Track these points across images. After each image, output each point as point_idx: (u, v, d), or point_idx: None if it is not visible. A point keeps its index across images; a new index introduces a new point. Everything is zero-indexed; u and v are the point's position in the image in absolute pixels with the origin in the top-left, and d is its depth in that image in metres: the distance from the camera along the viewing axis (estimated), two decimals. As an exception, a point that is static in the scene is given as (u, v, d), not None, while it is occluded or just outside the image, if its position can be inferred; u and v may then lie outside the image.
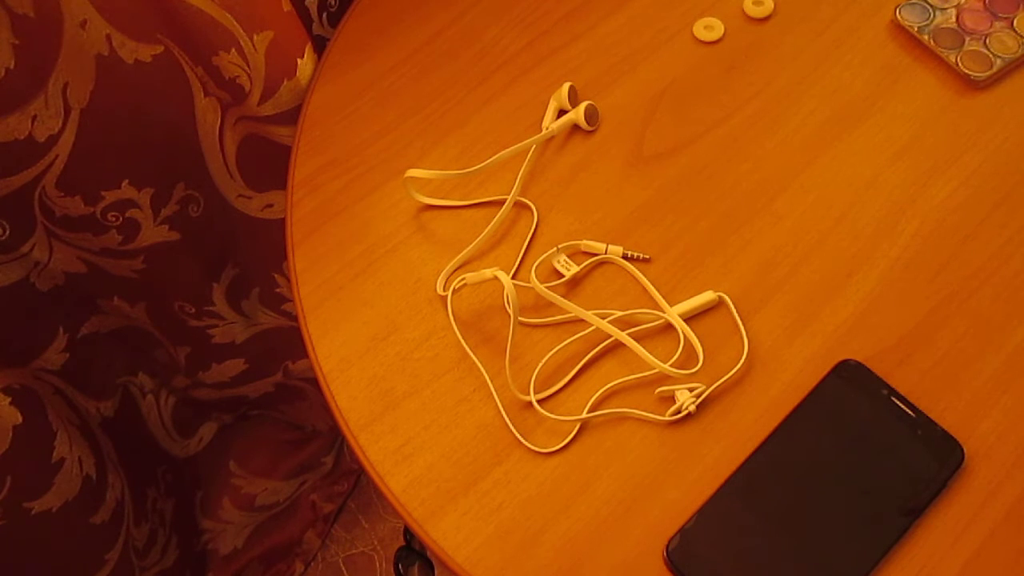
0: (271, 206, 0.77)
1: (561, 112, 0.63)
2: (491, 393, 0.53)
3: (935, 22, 0.65)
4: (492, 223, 0.58)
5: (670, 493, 0.49)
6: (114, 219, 0.67)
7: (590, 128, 0.63)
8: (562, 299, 0.54)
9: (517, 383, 0.53)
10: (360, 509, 1.16)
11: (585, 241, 0.57)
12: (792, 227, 0.57)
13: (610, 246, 0.57)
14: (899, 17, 0.65)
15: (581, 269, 0.56)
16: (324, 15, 0.74)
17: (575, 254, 0.58)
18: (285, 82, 0.65)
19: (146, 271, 0.74)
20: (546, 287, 0.54)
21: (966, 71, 0.62)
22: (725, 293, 0.55)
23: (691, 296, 0.55)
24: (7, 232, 0.63)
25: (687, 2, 0.69)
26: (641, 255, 0.57)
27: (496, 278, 0.53)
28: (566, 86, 0.62)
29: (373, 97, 0.66)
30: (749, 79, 0.64)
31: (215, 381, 0.91)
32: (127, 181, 0.66)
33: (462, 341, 0.54)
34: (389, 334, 0.56)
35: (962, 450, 0.48)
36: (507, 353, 0.52)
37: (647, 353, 0.51)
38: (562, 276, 0.56)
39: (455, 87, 0.66)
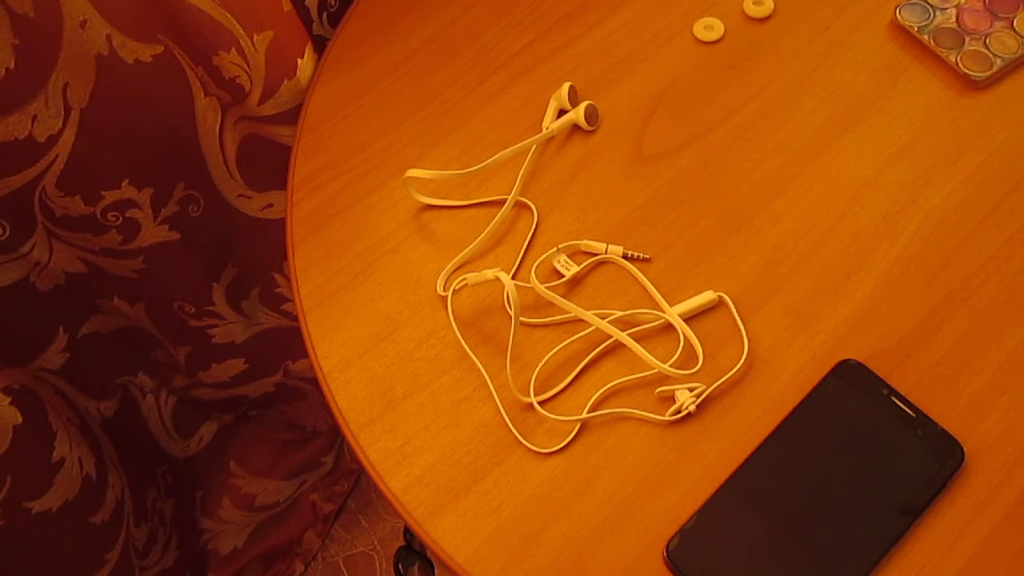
0: (271, 206, 0.77)
1: (561, 112, 0.63)
2: (491, 393, 0.53)
3: (935, 22, 0.65)
4: (492, 223, 0.58)
5: (670, 493, 0.49)
6: (114, 219, 0.67)
7: (590, 128, 0.63)
8: (562, 299, 0.54)
9: (517, 383, 0.53)
10: (360, 509, 1.16)
11: (585, 241, 0.57)
12: (792, 227, 0.57)
13: (610, 246, 0.57)
14: (899, 17, 0.65)
15: (581, 269, 0.56)
16: (324, 15, 0.74)
17: (575, 254, 0.58)
18: (285, 82, 0.65)
19: (146, 271, 0.74)
20: (546, 287, 0.54)
21: (966, 71, 0.62)
22: (725, 293, 0.55)
23: (691, 296, 0.55)
24: (7, 232, 0.63)
25: (687, 2, 0.69)
26: (641, 255, 0.57)
27: (497, 278, 0.53)
28: (566, 86, 0.62)
29: (373, 97, 0.66)
30: (749, 79, 0.64)
31: (215, 381, 0.91)
32: (127, 181, 0.66)
33: (462, 341, 0.54)
34: (389, 334, 0.56)
35: (962, 450, 0.48)
36: (508, 353, 0.52)
37: (647, 353, 0.51)
38: (562, 276, 0.56)
39: (455, 87, 0.66)
